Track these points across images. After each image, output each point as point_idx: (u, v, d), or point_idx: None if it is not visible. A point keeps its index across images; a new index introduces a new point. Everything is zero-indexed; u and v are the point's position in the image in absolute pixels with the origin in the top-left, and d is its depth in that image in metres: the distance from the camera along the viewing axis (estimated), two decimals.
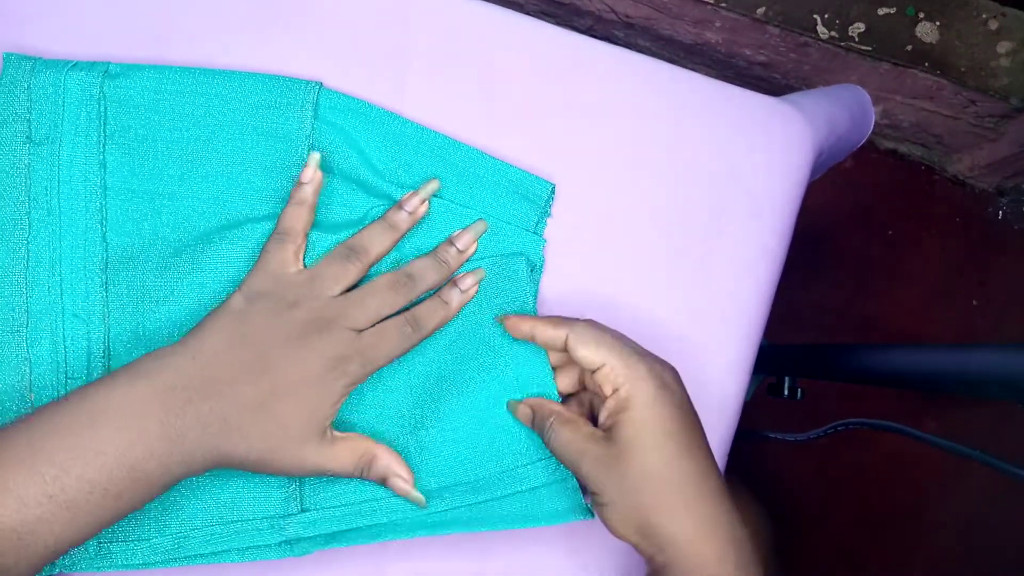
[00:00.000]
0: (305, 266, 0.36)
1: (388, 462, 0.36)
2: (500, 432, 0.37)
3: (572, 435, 0.34)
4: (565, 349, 0.35)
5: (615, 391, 0.33)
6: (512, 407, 0.37)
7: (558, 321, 0.35)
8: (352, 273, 0.36)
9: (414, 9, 0.41)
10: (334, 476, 0.36)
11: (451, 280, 0.38)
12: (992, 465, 0.47)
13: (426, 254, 0.38)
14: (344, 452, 0.35)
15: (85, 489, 0.29)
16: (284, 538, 0.36)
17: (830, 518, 1.01)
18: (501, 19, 0.42)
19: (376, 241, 0.37)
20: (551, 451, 0.35)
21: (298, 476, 0.36)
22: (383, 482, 0.36)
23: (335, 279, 0.35)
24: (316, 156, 0.37)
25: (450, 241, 0.38)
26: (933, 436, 0.52)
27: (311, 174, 0.37)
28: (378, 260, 0.37)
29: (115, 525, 0.34)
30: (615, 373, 0.33)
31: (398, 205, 0.38)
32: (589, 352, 0.34)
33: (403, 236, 0.38)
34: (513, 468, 0.37)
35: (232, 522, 0.36)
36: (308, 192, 0.37)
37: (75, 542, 0.30)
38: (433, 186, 0.38)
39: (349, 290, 0.36)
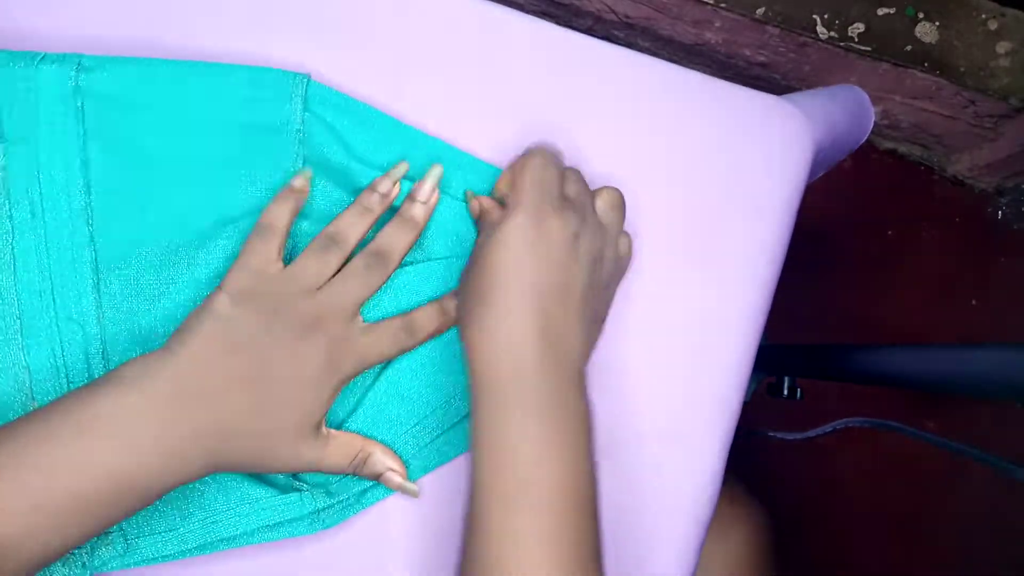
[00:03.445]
0: (285, 263, 0.36)
1: (382, 458, 0.36)
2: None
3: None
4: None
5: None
6: (469, 197, 0.39)
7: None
8: (333, 264, 0.36)
9: (413, 8, 0.41)
10: (327, 473, 0.36)
11: (409, 196, 0.38)
12: (991, 464, 0.47)
13: (389, 221, 0.37)
14: (338, 449, 0.35)
15: (72, 500, 0.29)
16: (315, 507, 0.36)
17: (830, 518, 1.01)
18: (501, 18, 0.42)
19: (353, 227, 0.36)
20: None
21: (292, 472, 0.36)
22: (377, 478, 0.36)
23: (317, 272, 0.35)
24: (308, 172, 0.37)
25: (411, 197, 0.38)
26: (932, 434, 0.52)
27: (301, 184, 0.37)
28: (356, 246, 0.37)
29: (139, 521, 0.35)
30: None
31: (370, 188, 0.37)
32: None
33: (378, 218, 0.37)
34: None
35: (257, 499, 0.35)
36: (295, 197, 0.36)
37: (62, 551, 0.29)
38: (403, 168, 0.38)
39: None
